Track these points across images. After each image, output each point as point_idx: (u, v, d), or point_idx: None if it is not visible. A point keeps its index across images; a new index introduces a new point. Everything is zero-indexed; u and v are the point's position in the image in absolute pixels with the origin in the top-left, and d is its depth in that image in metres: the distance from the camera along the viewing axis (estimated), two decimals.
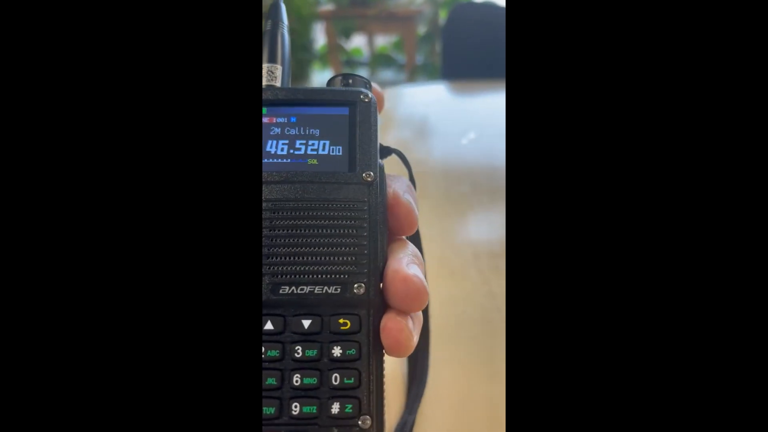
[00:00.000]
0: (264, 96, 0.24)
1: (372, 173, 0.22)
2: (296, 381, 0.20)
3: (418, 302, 0.20)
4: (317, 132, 0.23)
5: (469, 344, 0.46)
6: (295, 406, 0.19)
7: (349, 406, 0.20)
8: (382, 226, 0.22)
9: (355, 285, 0.21)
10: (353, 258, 0.21)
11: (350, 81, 0.26)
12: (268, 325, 0.20)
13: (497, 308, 0.39)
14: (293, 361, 0.20)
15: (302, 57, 2.77)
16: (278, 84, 0.25)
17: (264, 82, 0.25)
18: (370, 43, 3.17)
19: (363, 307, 0.21)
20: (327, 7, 2.80)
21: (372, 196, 0.22)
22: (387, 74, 3.28)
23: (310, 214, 0.21)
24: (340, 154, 0.23)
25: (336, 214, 0.21)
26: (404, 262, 0.21)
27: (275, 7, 0.26)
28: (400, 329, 0.20)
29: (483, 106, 1.06)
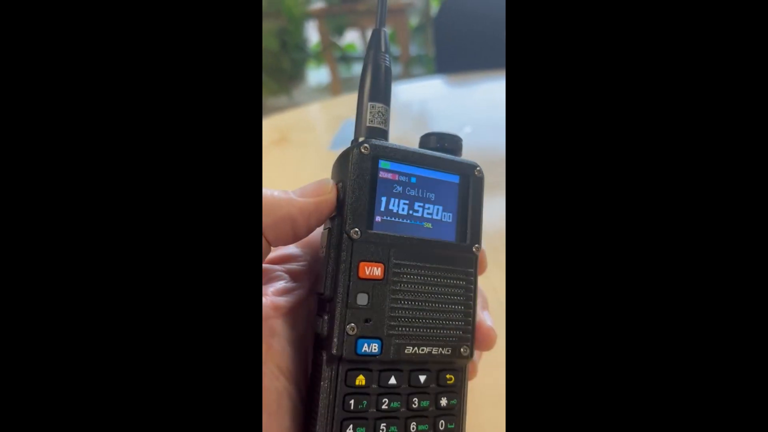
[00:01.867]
0: (386, 152, 0.23)
1: (478, 246, 0.25)
2: (413, 428, 0.23)
3: (492, 345, 0.25)
4: (433, 196, 0.24)
5: None
6: None
7: None
8: (477, 294, 0.25)
9: (462, 348, 0.24)
10: (463, 324, 0.24)
11: (445, 142, 0.26)
12: (392, 380, 0.22)
13: (498, 301, 0.40)
14: (410, 411, 0.23)
15: (297, 56, 2.78)
16: (386, 128, 0.25)
17: (370, 123, 0.24)
18: (364, 37, 3.17)
19: (463, 366, 0.24)
20: (318, 5, 2.80)
21: (476, 266, 0.24)
22: None
23: (434, 280, 0.23)
24: (451, 221, 0.25)
25: (453, 282, 0.24)
26: (485, 317, 0.26)
27: (376, 36, 0.25)
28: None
29: (478, 99, 1.04)
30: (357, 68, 3.42)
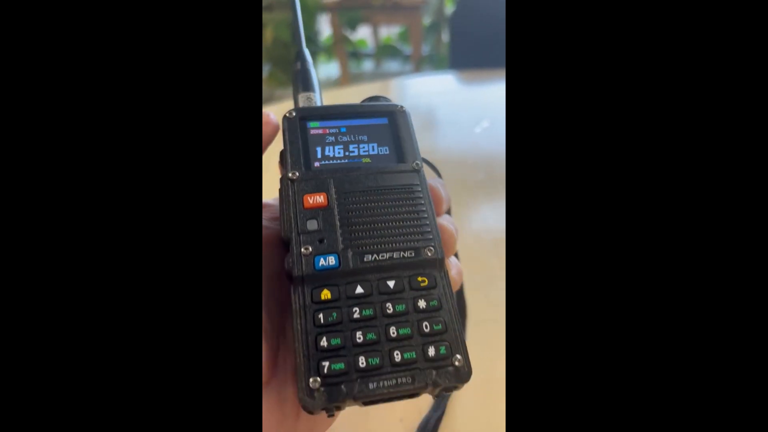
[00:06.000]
0: (311, 113, 0.28)
1: (418, 162, 0.27)
2: (393, 333, 0.22)
3: (451, 244, 0.26)
4: (365, 137, 0.27)
5: (492, 327, 0.47)
6: (397, 354, 0.22)
7: (443, 348, 0.22)
8: (431, 203, 0.26)
9: (427, 249, 0.24)
10: (420, 228, 0.25)
11: (380, 100, 0.30)
12: (359, 289, 0.23)
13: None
14: (386, 317, 0.23)
15: (308, 49, 2.76)
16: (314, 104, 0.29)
17: (302, 106, 0.29)
18: (375, 33, 3.16)
19: (434, 267, 0.24)
20: None
21: (422, 181, 0.26)
22: (392, 65, 3.27)
23: (379, 197, 0.25)
24: (388, 153, 0.27)
25: (399, 195, 0.25)
26: (445, 221, 0.27)
27: (301, 52, 0.32)
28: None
29: (493, 94, 1.05)
30: (367, 65, 3.42)
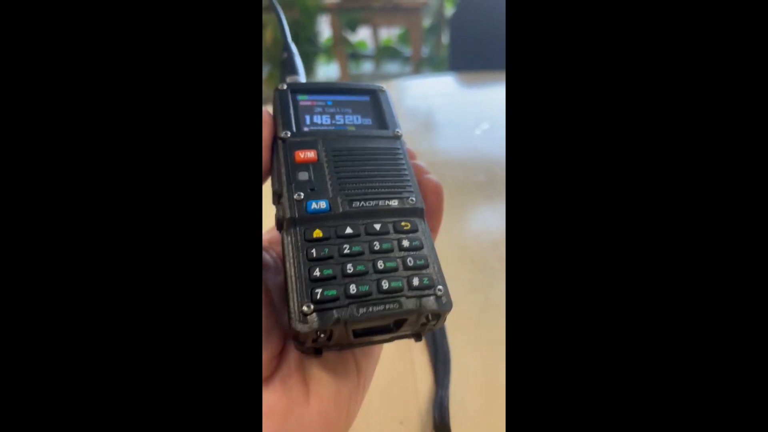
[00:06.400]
0: (300, 87, 0.30)
1: (398, 130, 0.30)
2: (380, 266, 0.24)
3: (439, 193, 0.28)
4: (350, 110, 0.30)
5: (492, 328, 0.47)
6: (384, 283, 0.23)
7: (426, 279, 0.24)
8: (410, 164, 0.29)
9: (409, 198, 0.27)
10: (402, 181, 0.27)
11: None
12: (348, 230, 0.25)
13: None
14: (373, 253, 0.24)
15: (307, 50, 2.77)
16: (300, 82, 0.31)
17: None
18: (375, 35, 3.16)
19: (416, 215, 0.27)
20: None
21: (401, 146, 0.29)
22: (392, 67, 3.28)
23: (364, 155, 0.28)
24: (371, 123, 0.30)
25: (382, 155, 0.28)
26: (429, 176, 0.29)
27: (286, 44, 0.34)
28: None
29: (493, 96, 1.05)
30: (367, 66, 3.42)
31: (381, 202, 0.26)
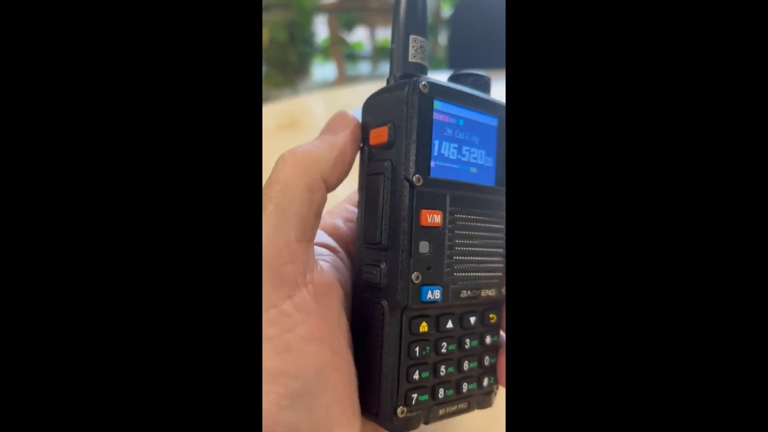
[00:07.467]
0: (440, 88, 0.23)
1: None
2: (465, 367, 0.25)
3: None
4: (477, 140, 0.25)
5: None
6: (464, 386, 0.25)
7: (492, 379, 0.26)
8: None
9: (502, 288, 0.25)
10: (501, 265, 0.25)
11: (480, 84, 0.27)
12: (449, 324, 0.24)
13: None
14: (461, 350, 0.25)
15: (304, 50, 2.77)
16: (427, 64, 0.24)
17: (413, 59, 0.23)
18: (372, 36, 3.17)
19: (502, 305, 0.26)
20: None
21: (503, 206, 0.26)
22: (389, 67, 3.27)
23: (480, 225, 0.25)
24: (491, 166, 0.25)
25: (494, 226, 0.25)
26: None
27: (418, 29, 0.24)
28: None
29: (492, 95, 1.05)
30: (363, 67, 3.41)
31: (483, 293, 0.25)
